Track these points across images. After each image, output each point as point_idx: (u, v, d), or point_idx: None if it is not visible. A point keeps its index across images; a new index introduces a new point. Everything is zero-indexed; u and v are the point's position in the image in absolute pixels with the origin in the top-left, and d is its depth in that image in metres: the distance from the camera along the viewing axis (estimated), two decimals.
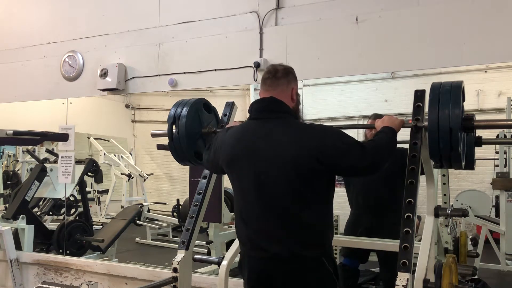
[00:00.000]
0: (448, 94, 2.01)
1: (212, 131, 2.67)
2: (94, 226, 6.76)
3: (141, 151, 11.14)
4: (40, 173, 5.37)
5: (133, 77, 4.33)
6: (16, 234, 4.77)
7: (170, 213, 8.58)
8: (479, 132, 2.60)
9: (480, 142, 2.63)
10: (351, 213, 3.63)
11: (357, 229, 3.51)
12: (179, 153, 2.59)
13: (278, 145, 1.92)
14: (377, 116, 3.31)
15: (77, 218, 6.55)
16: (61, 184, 5.08)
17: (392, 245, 2.82)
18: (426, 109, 2.09)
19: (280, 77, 2.05)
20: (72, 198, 6.82)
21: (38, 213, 6.08)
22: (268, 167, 1.92)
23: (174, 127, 2.57)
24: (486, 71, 7.90)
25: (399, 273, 1.81)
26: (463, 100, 2.06)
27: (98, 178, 7.39)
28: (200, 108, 2.70)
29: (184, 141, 2.54)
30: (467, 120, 2.05)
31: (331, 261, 1.98)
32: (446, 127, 1.96)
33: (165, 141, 2.66)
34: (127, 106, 11.26)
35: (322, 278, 1.94)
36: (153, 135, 2.83)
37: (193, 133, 2.60)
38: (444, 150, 1.99)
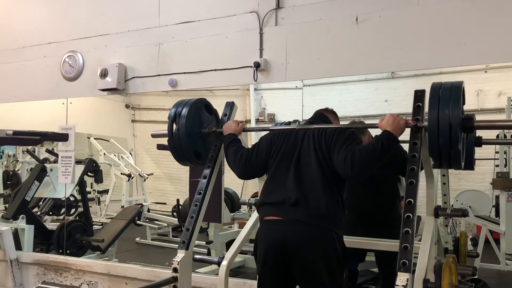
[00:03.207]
0: (448, 94, 2.01)
1: (212, 131, 2.67)
2: (94, 226, 6.76)
3: (141, 151, 11.14)
4: (40, 173, 5.37)
5: (133, 77, 4.33)
6: (16, 234, 4.77)
7: (170, 213, 8.59)
8: (479, 132, 2.60)
9: (480, 142, 2.63)
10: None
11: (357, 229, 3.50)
12: (178, 151, 2.59)
13: None
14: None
15: (77, 218, 6.55)
16: (61, 184, 5.08)
17: (392, 245, 2.81)
18: (426, 109, 2.09)
19: None
20: (72, 198, 6.82)
21: (38, 213, 6.07)
22: None
23: (174, 125, 2.58)
24: (486, 71, 7.90)
25: (399, 273, 1.81)
26: (463, 103, 2.06)
27: (98, 178, 7.39)
28: (201, 108, 2.71)
29: (184, 138, 2.54)
30: (467, 120, 2.05)
31: (341, 244, 2.23)
32: (446, 124, 1.96)
33: (165, 141, 2.66)
34: (127, 106, 11.27)
35: (330, 251, 2.16)
36: (153, 136, 2.83)
37: (193, 131, 2.61)
38: (443, 147, 1.99)
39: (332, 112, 2.60)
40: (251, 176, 2.61)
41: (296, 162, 2.29)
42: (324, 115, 2.55)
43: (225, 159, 2.72)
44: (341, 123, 2.58)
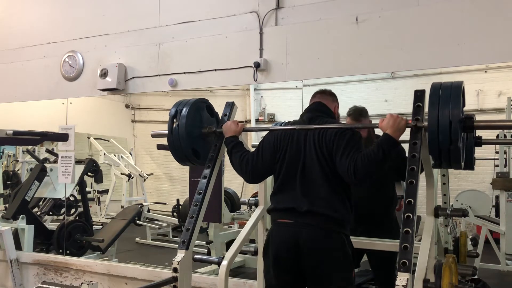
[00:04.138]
0: (449, 93, 2.01)
1: (212, 131, 2.67)
2: (94, 226, 6.76)
3: (141, 151, 11.14)
4: (40, 173, 5.37)
5: (133, 77, 4.33)
6: (16, 234, 4.77)
7: (170, 213, 8.59)
8: (479, 133, 2.60)
9: (480, 142, 2.62)
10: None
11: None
12: (177, 149, 2.59)
13: None
14: (356, 111, 3.31)
15: (77, 218, 6.55)
16: (61, 184, 5.08)
17: (391, 245, 2.81)
18: (426, 109, 2.09)
19: None
20: (72, 198, 6.82)
21: (38, 213, 6.07)
22: None
23: (174, 123, 2.58)
24: (486, 71, 7.90)
25: (399, 273, 1.81)
26: (464, 105, 2.06)
27: (98, 178, 7.39)
28: (203, 108, 2.71)
29: (183, 136, 2.54)
30: (467, 119, 2.05)
31: (350, 244, 2.29)
32: (446, 121, 1.96)
33: (165, 141, 2.66)
34: (127, 106, 11.27)
35: (340, 250, 2.22)
36: (153, 136, 2.83)
37: (193, 130, 2.61)
38: (443, 144, 1.98)
39: (330, 94, 2.57)
40: (259, 181, 2.68)
41: (301, 170, 2.31)
42: (321, 104, 2.51)
43: (225, 157, 2.72)
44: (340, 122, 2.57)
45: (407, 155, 2.12)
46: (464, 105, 2.07)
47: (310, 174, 2.28)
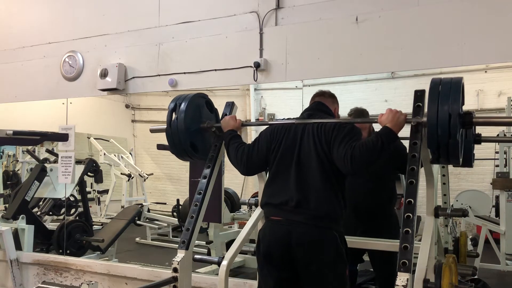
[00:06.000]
0: (448, 88, 2.01)
1: (211, 126, 2.67)
2: (94, 226, 6.76)
3: (141, 151, 11.14)
4: (40, 173, 5.37)
5: (133, 77, 4.34)
6: (16, 234, 4.77)
7: (170, 213, 8.59)
8: (479, 131, 2.60)
9: (479, 139, 2.63)
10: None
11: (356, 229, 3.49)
12: (176, 142, 2.58)
13: None
14: (357, 112, 3.33)
15: (77, 218, 6.55)
16: (61, 184, 5.08)
17: (392, 245, 2.81)
18: (426, 109, 2.09)
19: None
20: (72, 198, 6.82)
21: (38, 213, 6.07)
22: None
23: (173, 115, 2.58)
24: (486, 71, 7.90)
25: (399, 273, 1.81)
26: (463, 104, 2.06)
27: (98, 178, 7.38)
28: (202, 103, 2.72)
29: (182, 128, 2.54)
30: (467, 114, 2.05)
31: (343, 241, 2.26)
32: (445, 115, 1.96)
33: (165, 141, 2.66)
34: (127, 106, 11.27)
35: (332, 248, 2.19)
36: (152, 131, 2.83)
37: (192, 124, 2.61)
38: (442, 138, 1.98)
39: (330, 96, 2.58)
40: (253, 172, 2.64)
41: (296, 160, 2.30)
42: (321, 103, 2.53)
43: (225, 157, 2.72)
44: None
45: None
46: (463, 103, 2.07)
47: (305, 164, 2.28)
